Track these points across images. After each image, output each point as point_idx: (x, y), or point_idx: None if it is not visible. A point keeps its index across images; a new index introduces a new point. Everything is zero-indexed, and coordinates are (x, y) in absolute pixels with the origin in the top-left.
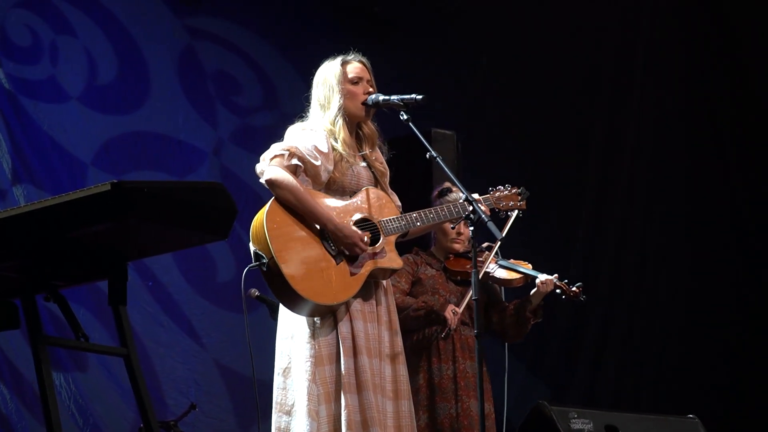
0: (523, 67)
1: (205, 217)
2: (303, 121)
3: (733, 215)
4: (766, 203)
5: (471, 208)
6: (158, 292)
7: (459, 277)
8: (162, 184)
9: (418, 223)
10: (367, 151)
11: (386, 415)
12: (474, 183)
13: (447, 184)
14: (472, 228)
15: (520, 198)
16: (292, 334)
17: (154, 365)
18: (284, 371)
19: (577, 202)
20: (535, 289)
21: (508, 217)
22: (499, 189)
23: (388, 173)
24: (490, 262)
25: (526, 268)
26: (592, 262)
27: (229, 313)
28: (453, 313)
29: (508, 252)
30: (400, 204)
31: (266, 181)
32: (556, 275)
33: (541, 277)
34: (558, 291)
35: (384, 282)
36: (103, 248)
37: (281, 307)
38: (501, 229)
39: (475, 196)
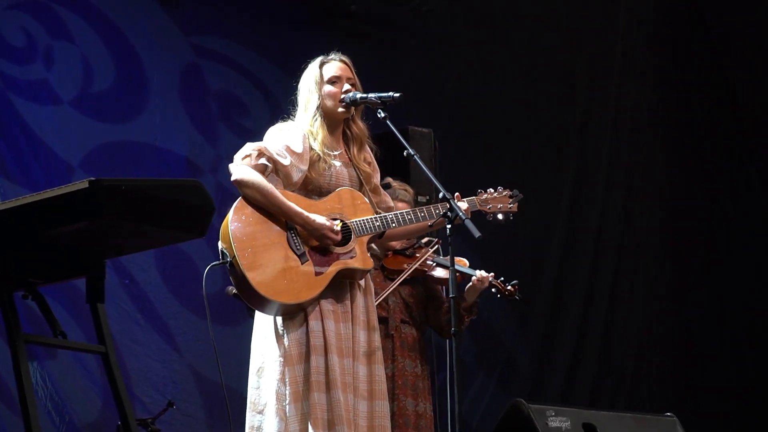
0: (500, 65)
1: (182, 215)
2: (286, 121)
3: (711, 214)
4: (745, 201)
5: (448, 206)
6: (134, 291)
7: (397, 276)
8: (140, 181)
9: (394, 224)
10: (354, 151)
11: (358, 415)
12: (451, 180)
13: (387, 179)
14: (449, 226)
15: (511, 201)
16: (265, 335)
17: (131, 363)
18: (258, 371)
19: (554, 200)
20: (469, 285)
21: (496, 223)
22: (488, 191)
23: (377, 174)
24: (426, 259)
25: (463, 265)
26: (568, 262)
27: (206, 318)
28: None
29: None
30: (392, 205)
31: (234, 180)
32: (492, 273)
33: (477, 274)
34: (493, 290)
35: (362, 282)
36: (81, 246)
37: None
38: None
39: (457, 195)
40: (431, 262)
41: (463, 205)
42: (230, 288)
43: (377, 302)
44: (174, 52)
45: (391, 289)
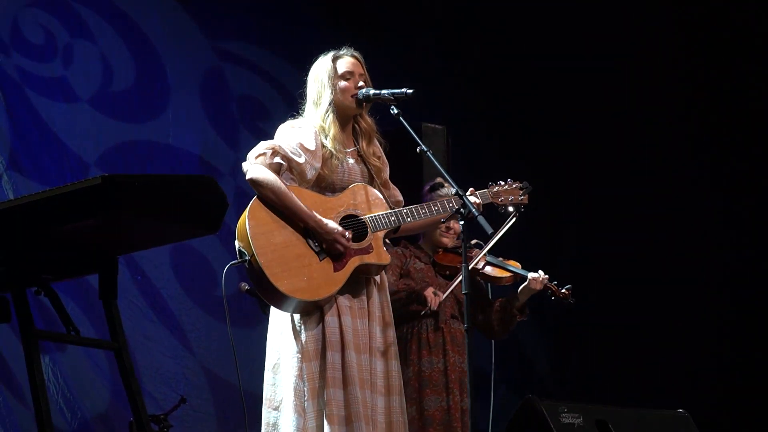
0: (513, 62)
1: (195, 211)
2: (296, 118)
3: (725, 212)
4: (758, 199)
5: (462, 202)
6: (147, 287)
7: (448, 272)
8: (152, 177)
9: (409, 219)
10: (363, 146)
11: (376, 411)
12: (464, 178)
13: (438, 180)
14: (462, 222)
15: (521, 192)
16: (281, 330)
17: (143, 359)
18: (274, 367)
19: (569, 197)
20: (524, 285)
21: (507, 215)
22: (499, 184)
23: (387, 168)
24: (480, 259)
25: (516, 266)
26: (582, 258)
27: (218, 315)
28: (434, 294)
29: (500, 251)
30: (401, 199)
31: (249, 179)
32: (547, 276)
33: (533, 274)
34: (548, 292)
35: (377, 278)
36: (94, 242)
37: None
38: (499, 227)
39: (471, 190)
40: (483, 262)
41: (474, 200)
42: (243, 284)
43: (446, 293)
44: (196, 55)
45: (454, 285)
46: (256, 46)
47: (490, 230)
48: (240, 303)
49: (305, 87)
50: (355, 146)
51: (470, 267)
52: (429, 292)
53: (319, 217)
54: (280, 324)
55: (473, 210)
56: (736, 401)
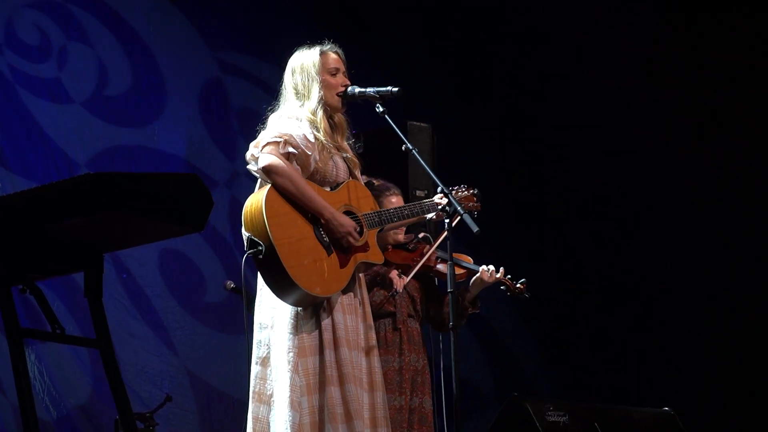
0: (499, 61)
1: (181, 209)
2: (275, 110)
3: (712, 211)
4: (744, 198)
5: (446, 201)
6: (132, 285)
7: (399, 270)
8: (139, 175)
9: (395, 219)
10: (338, 140)
11: (363, 407)
12: (450, 175)
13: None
14: (447, 220)
15: (475, 200)
16: (272, 324)
17: (128, 357)
18: (263, 360)
19: (555, 195)
20: (476, 277)
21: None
22: (459, 189)
23: (358, 163)
24: (431, 255)
25: (468, 262)
26: (569, 257)
27: (201, 316)
28: (399, 276)
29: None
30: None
31: (263, 167)
32: (501, 269)
33: (484, 267)
34: (503, 287)
35: (360, 275)
36: (79, 239)
37: (258, 296)
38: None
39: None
40: (436, 257)
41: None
42: (229, 283)
43: (409, 276)
44: (196, 64)
45: (417, 268)
46: (256, 57)
47: (475, 228)
48: (229, 312)
49: (286, 78)
50: (334, 141)
51: (421, 263)
52: (393, 274)
53: (333, 210)
54: (270, 318)
55: (459, 209)
56: (722, 400)
